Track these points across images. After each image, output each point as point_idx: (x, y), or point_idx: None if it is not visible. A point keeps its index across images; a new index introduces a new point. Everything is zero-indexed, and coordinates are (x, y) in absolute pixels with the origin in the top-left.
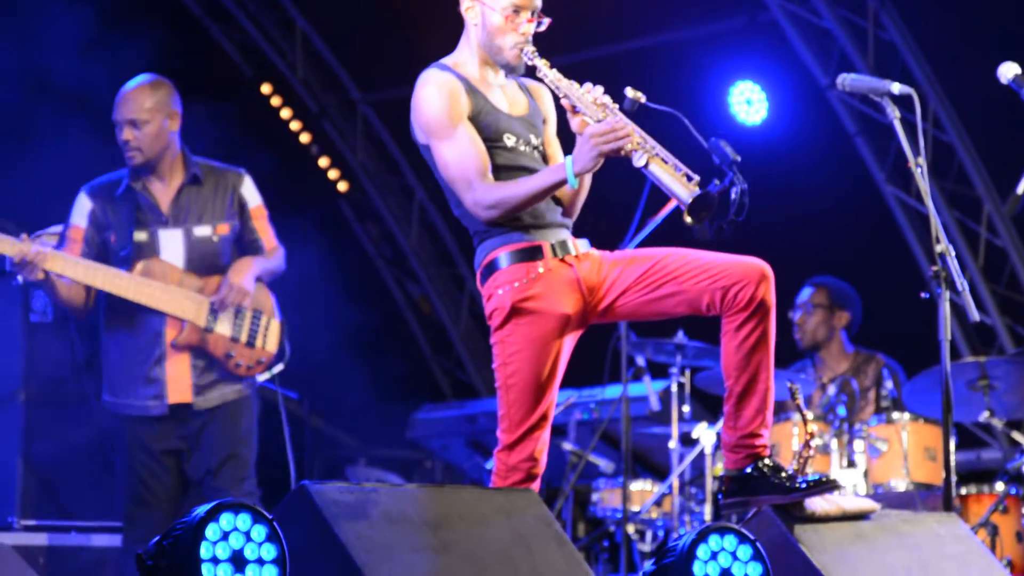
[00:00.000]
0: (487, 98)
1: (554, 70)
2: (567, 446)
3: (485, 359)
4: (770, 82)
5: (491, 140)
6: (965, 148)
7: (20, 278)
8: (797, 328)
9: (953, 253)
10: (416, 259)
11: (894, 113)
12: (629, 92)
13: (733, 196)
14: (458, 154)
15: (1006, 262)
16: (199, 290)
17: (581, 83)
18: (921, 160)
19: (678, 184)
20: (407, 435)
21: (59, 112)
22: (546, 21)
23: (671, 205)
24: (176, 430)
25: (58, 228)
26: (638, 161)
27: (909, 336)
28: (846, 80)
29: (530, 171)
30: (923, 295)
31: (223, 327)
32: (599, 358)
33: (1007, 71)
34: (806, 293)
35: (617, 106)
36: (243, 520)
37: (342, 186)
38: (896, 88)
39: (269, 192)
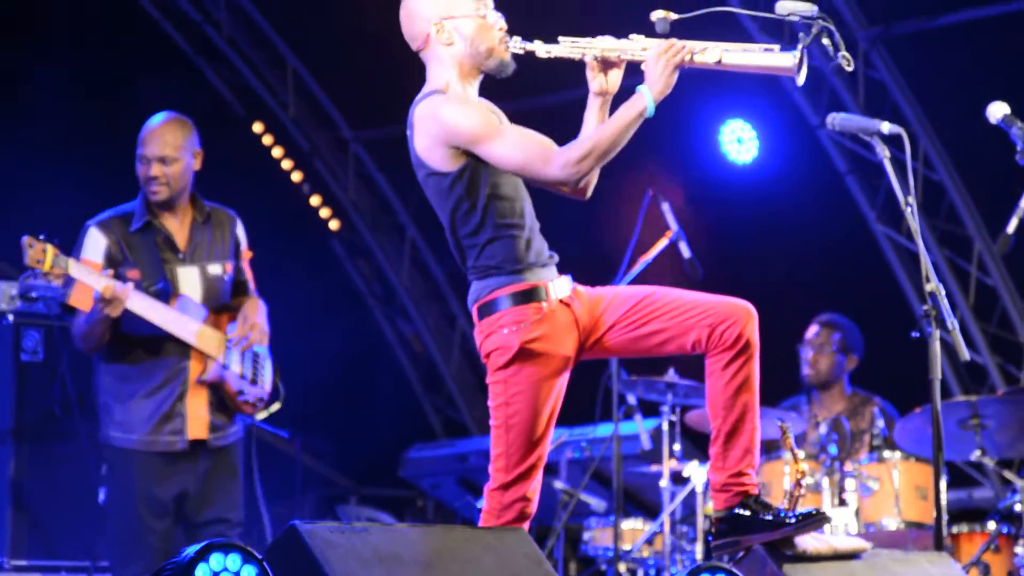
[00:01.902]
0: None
1: (557, 41)
2: (558, 484)
3: (476, 397)
4: (761, 121)
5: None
6: (955, 187)
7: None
8: (807, 365)
9: (943, 292)
10: (407, 297)
11: (884, 152)
12: (656, 15)
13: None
14: (518, 138)
15: (997, 301)
16: (213, 327)
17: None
18: (911, 199)
19: (770, 57)
20: (398, 474)
21: (49, 151)
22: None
23: (663, 242)
24: (187, 468)
25: None
26: (712, 57)
27: (900, 375)
28: (836, 119)
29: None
30: (914, 334)
31: (236, 365)
32: (590, 396)
33: (996, 111)
34: (824, 333)
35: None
36: (233, 560)
37: (334, 224)
38: (886, 127)
39: (261, 230)
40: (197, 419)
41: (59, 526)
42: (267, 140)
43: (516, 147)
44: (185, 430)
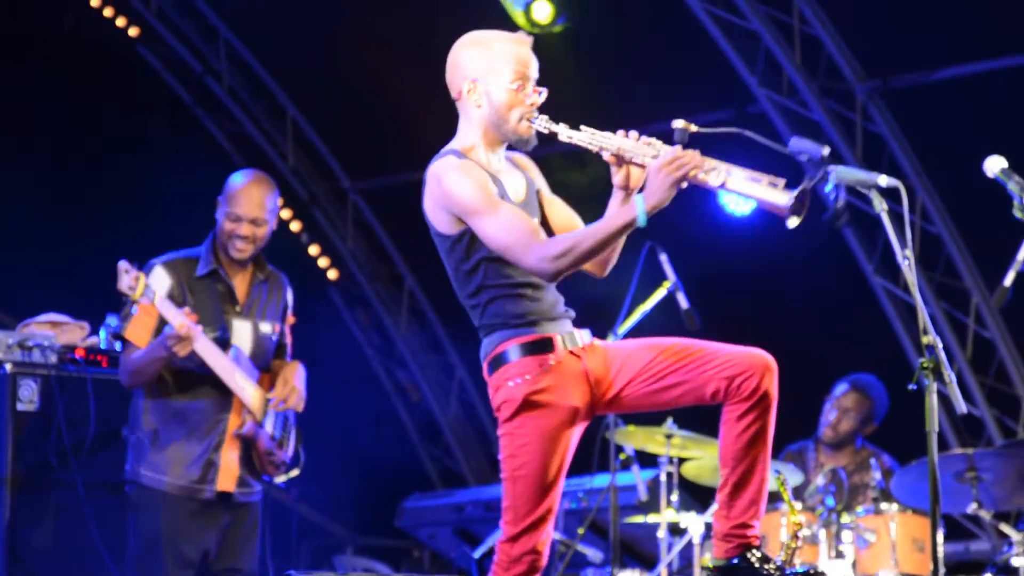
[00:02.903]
0: (504, 187)
1: (581, 127)
2: (555, 535)
3: (473, 447)
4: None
5: None
6: (953, 240)
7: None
8: (828, 425)
9: (941, 344)
10: (405, 347)
11: (881, 205)
12: (678, 124)
13: (833, 197)
14: (507, 220)
15: (994, 354)
16: (258, 384)
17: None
18: (909, 252)
19: (770, 192)
20: (395, 523)
21: (41, 198)
22: (544, 91)
23: (661, 293)
24: (212, 520)
25: (50, 316)
26: (716, 180)
27: (897, 427)
28: (834, 172)
29: None
30: (911, 386)
31: (269, 425)
32: (587, 446)
33: (993, 165)
34: (852, 398)
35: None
36: None
37: (332, 274)
38: (884, 180)
39: None
40: (228, 472)
41: (55, 575)
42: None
43: (502, 229)
44: (216, 480)
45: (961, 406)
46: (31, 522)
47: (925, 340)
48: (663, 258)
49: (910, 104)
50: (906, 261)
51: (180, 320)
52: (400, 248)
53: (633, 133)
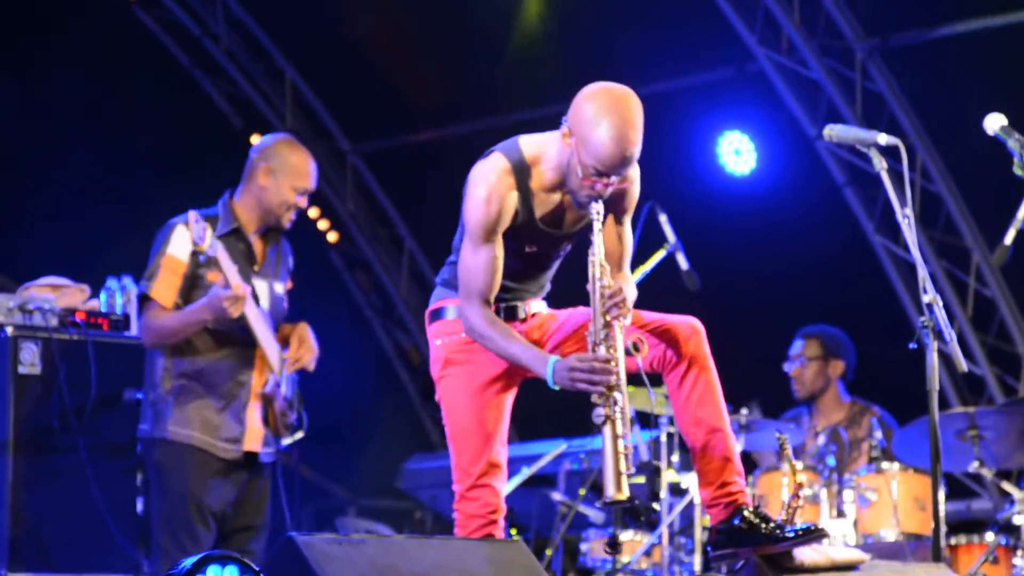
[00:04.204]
0: (534, 212)
1: (626, 255)
2: (557, 496)
3: None
4: (758, 132)
5: (510, 242)
6: (953, 198)
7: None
8: (793, 380)
9: (941, 303)
10: (405, 308)
11: (881, 164)
12: (631, 345)
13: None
14: (475, 266)
15: (995, 312)
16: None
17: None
18: (909, 210)
19: (611, 474)
20: (396, 485)
21: (43, 162)
22: (609, 190)
23: (661, 254)
24: (235, 479)
25: (50, 279)
26: (596, 415)
27: (898, 386)
28: (833, 131)
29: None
30: (911, 345)
31: (284, 386)
32: (588, 408)
33: (993, 122)
34: (798, 345)
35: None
36: (230, 572)
37: (332, 236)
38: (883, 139)
39: None
40: (254, 431)
41: (57, 538)
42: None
43: (470, 266)
44: (243, 440)
45: (962, 365)
46: (33, 485)
47: (925, 299)
48: (663, 219)
49: (909, 62)
50: (906, 219)
51: (237, 280)
52: (400, 210)
53: (627, 298)
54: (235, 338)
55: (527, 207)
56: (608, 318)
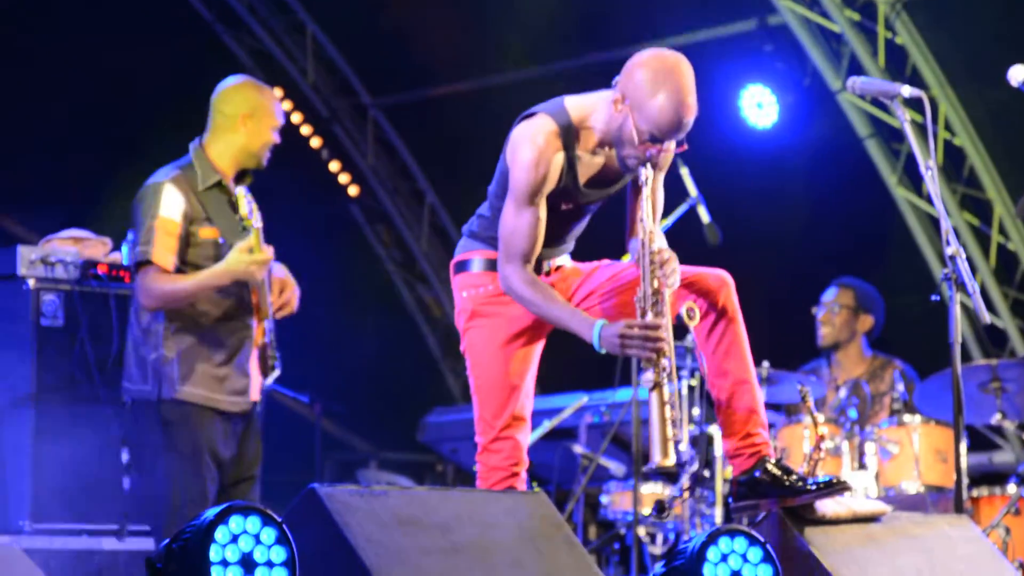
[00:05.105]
0: (578, 175)
1: (658, 215)
2: (578, 449)
3: None
4: (781, 85)
5: (547, 201)
6: (976, 151)
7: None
8: (820, 325)
9: (964, 256)
10: (427, 262)
11: (905, 116)
12: (685, 313)
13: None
14: (519, 228)
15: (1017, 265)
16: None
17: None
18: (931, 163)
19: (658, 440)
20: (418, 438)
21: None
22: (664, 155)
23: (683, 207)
24: (233, 429)
25: (72, 232)
26: (645, 380)
27: (920, 339)
28: (856, 83)
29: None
30: (934, 298)
31: (270, 331)
32: (610, 361)
33: (1018, 74)
34: (832, 293)
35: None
36: (253, 523)
37: (353, 190)
38: (907, 91)
39: (279, 196)
40: (256, 382)
41: (80, 489)
42: (286, 106)
43: (512, 227)
44: (248, 393)
45: (984, 317)
46: (56, 436)
47: (948, 251)
48: (685, 172)
49: (933, 14)
50: (929, 172)
51: (264, 244)
52: (421, 164)
53: (675, 269)
54: (236, 291)
55: (571, 169)
56: (657, 284)
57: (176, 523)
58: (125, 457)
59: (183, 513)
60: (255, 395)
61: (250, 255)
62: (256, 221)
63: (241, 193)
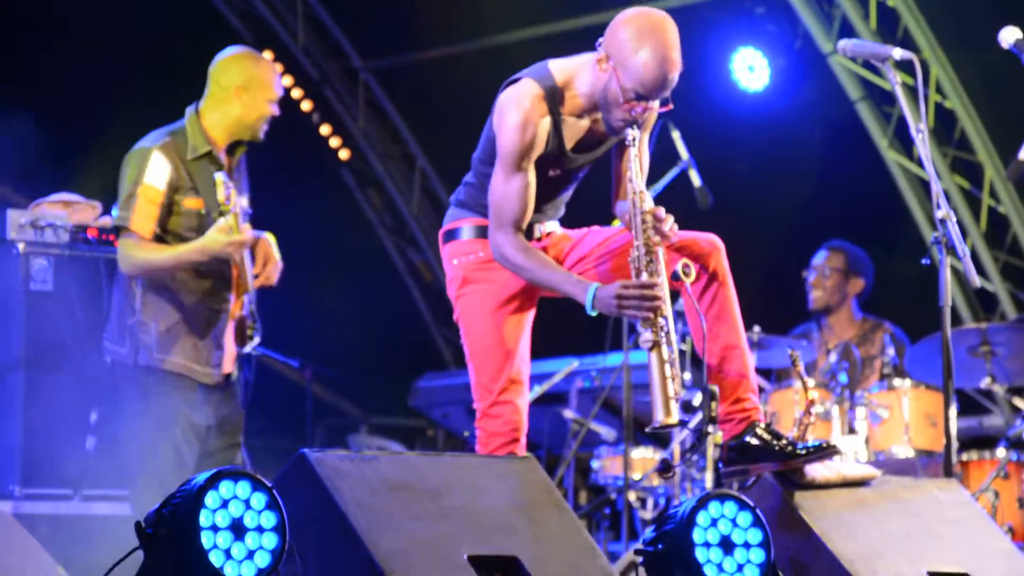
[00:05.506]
0: (564, 138)
1: (644, 175)
2: (568, 414)
3: None
4: (772, 48)
5: (537, 166)
6: (967, 114)
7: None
8: (810, 288)
9: (954, 219)
10: (417, 226)
11: (896, 79)
12: (680, 271)
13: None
14: (509, 193)
15: (1008, 228)
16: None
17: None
18: (923, 126)
19: (660, 398)
20: (408, 403)
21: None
22: (651, 111)
23: (674, 171)
24: (211, 399)
25: (62, 195)
26: (644, 340)
27: (910, 302)
28: (848, 46)
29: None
30: (924, 261)
31: (250, 302)
32: (600, 326)
33: (1009, 36)
34: (822, 256)
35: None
36: (243, 488)
37: (343, 154)
38: (898, 53)
39: (270, 160)
40: (230, 353)
41: (69, 454)
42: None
43: (502, 193)
44: (223, 364)
45: (974, 280)
46: (45, 401)
47: (939, 215)
48: (676, 135)
49: None
50: (920, 135)
51: (243, 226)
52: (412, 127)
53: (671, 225)
54: (216, 265)
55: (557, 133)
56: (651, 243)
57: (147, 489)
58: (94, 417)
59: (155, 479)
60: (228, 367)
61: (228, 236)
62: (234, 207)
63: (220, 179)
